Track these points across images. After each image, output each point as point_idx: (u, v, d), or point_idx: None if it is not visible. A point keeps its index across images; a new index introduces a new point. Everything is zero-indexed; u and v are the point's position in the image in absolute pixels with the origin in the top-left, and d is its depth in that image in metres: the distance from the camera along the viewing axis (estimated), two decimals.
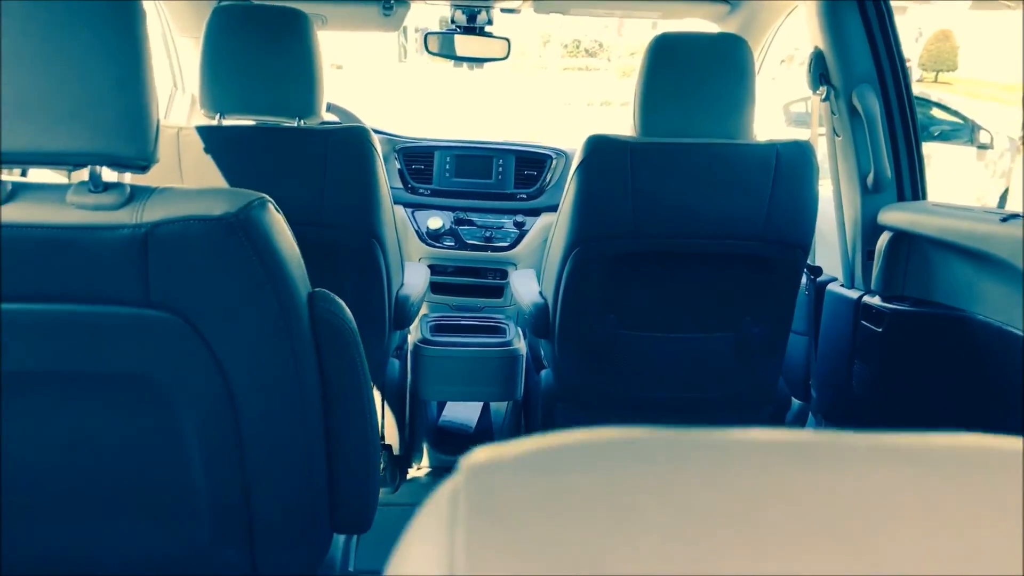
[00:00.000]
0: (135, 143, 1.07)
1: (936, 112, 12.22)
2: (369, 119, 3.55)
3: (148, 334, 1.12)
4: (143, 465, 1.24)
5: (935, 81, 23.65)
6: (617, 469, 0.33)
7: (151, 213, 1.08)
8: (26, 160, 1.08)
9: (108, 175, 1.13)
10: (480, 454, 0.34)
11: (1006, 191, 10.32)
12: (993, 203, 9.72)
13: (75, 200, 1.09)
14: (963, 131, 11.79)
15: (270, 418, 1.22)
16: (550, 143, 3.61)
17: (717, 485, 0.31)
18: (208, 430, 1.21)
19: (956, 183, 10.61)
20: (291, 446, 1.26)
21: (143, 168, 1.11)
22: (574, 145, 3.25)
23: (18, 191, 1.11)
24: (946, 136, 11.80)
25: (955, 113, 11.98)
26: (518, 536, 0.29)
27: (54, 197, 1.10)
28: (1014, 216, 1.93)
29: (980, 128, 11.41)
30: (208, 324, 1.12)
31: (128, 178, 1.42)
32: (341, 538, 1.66)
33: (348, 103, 3.75)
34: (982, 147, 11.24)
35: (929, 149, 11.89)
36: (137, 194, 1.11)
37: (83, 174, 1.11)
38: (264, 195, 1.15)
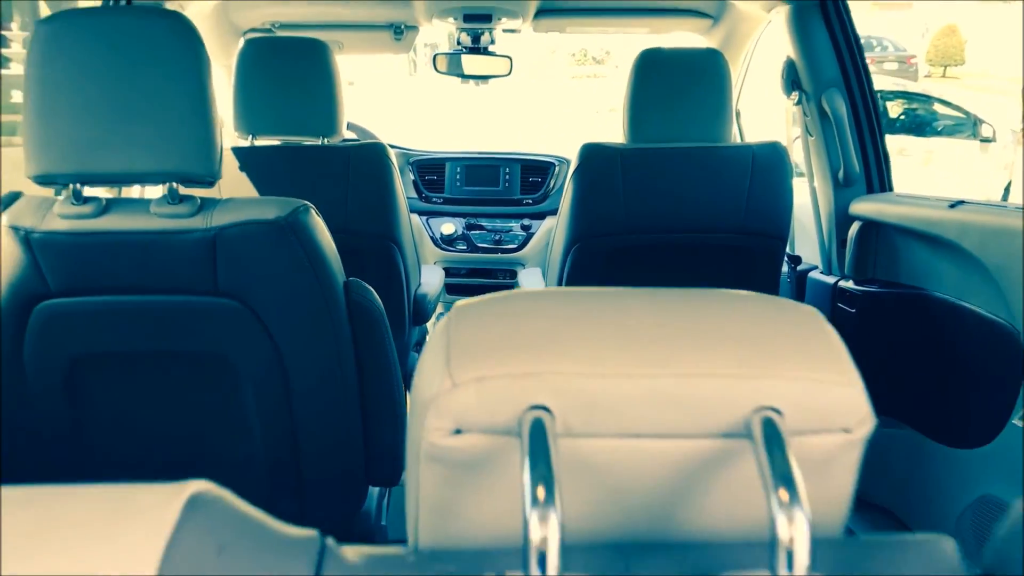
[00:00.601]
0: (204, 164, 1.34)
1: (938, 108, 12.40)
2: (384, 134, 3.83)
3: (217, 318, 1.39)
4: (214, 429, 1.51)
5: (943, 76, 23.78)
6: (552, 302, 0.58)
7: (218, 219, 1.35)
8: (119, 180, 1.35)
9: (182, 190, 1.39)
10: (463, 302, 0.60)
11: (1009, 183, 10.47)
12: (997, 196, 9.86)
13: (158, 211, 1.36)
14: (966, 125, 11.95)
15: (315, 386, 1.48)
16: (556, 150, 3.88)
17: (615, 308, 0.57)
18: (264, 398, 1.48)
19: (959, 177, 10.76)
20: (332, 411, 1.52)
21: (210, 184, 1.38)
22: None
23: (111, 205, 1.38)
24: (949, 131, 11.98)
25: (957, 108, 12.15)
26: (488, 337, 0.54)
27: (141, 209, 1.37)
28: (961, 202, 2.17)
29: (983, 122, 11.57)
30: (264, 308, 1.38)
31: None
32: (375, 496, 1.92)
33: (362, 118, 4.02)
34: (985, 140, 11.39)
35: (932, 144, 12.05)
36: (205, 204, 1.38)
37: (163, 189, 1.37)
38: (307, 202, 1.42)
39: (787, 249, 2.90)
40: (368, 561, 0.49)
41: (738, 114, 3.48)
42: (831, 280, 2.70)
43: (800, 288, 2.87)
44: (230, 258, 1.34)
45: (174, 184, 1.35)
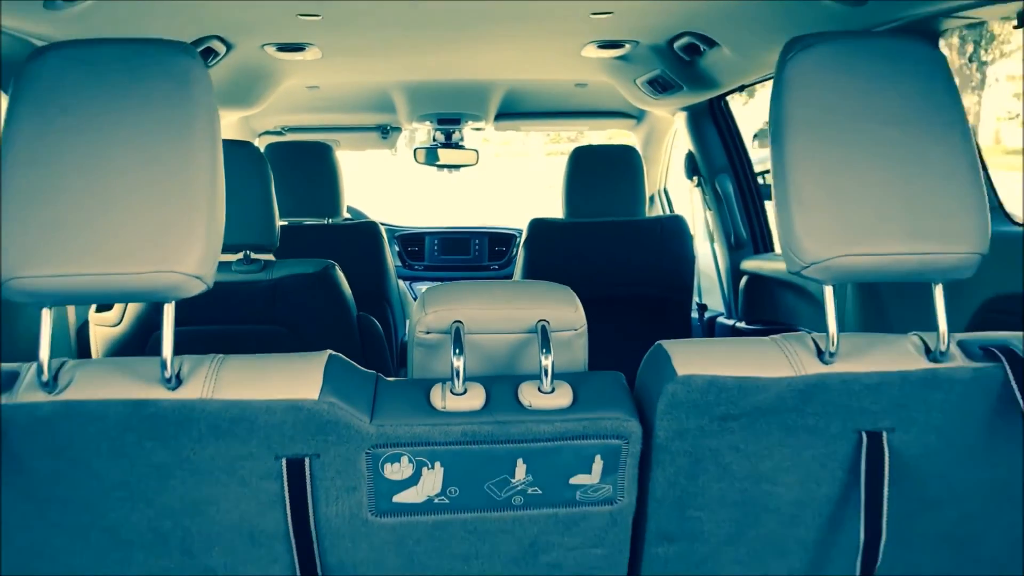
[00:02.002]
0: (268, 237, 2.06)
1: None
2: (372, 211, 4.59)
3: (271, 340, 2.10)
4: None
5: None
6: (467, 285, 1.31)
7: (276, 273, 2.07)
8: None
9: (252, 255, 2.11)
10: (430, 287, 1.31)
11: None
12: None
13: (237, 268, 2.08)
14: None
15: None
16: (520, 222, 4.65)
17: (491, 285, 1.29)
18: None
19: None
20: None
21: (270, 251, 2.10)
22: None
23: None
24: None
25: None
26: (438, 297, 1.26)
27: (227, 266, 2.08)
28: None
29: None
30: (304, 332, 2.10)
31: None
32: None
33: (353, 193, 4.79)
34: None
35: None
36: (267, 265, 2.10)
37: (241, 254, 2.09)
38: (333, 262, 2.15)
39: (697, 299, 3.65)
40: (397, 382, 1.20)
41: (666, 191, 4.26)
42: (731, 322, 3.44)
43: (710, 330, 3.60)
44: (284, 299, 2.06)
45: (248, 252, 2.07)
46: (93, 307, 2.20)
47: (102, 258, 1.03)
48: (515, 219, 4.70)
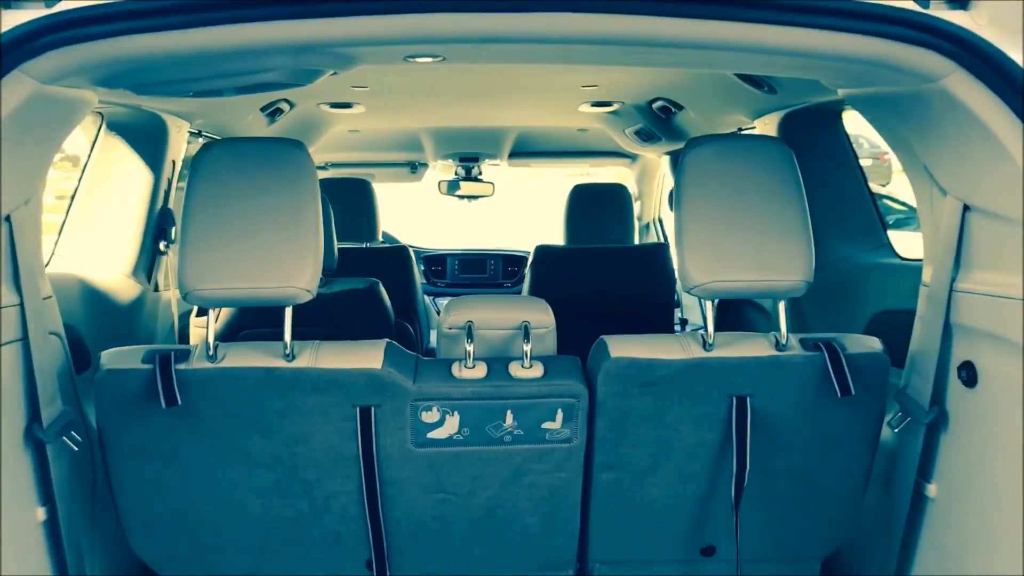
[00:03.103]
0: (330, 260, 2.69)
1: (889, 203, 13.98)
2: (403, 235, 5.23)
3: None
4: None
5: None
6: (476, 299, 1.92)
7: (335, 288, 2.70)
8: None
9: None
10: (450, 300, 1.93)
11: None
12: None
13: None
14: (912, 219, 13.41)
15: None
16: (533, 242, 5.27)
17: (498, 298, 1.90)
18: None
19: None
20: None
21: (330, 271, 2.71)
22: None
23: None
24: (899, 224, 13.52)
25: (902, 203, 13.69)
26: (455, 307, 1.88)
27: None
28: None
29: None
30: (355, 335, 2.72)
31: None
32: None
33: (386, 215, 5.43)
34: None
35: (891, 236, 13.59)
36: (328, 281, 2.73)
37: None
38: (377, 280, 2.78)
39: (680, 314, 4.26)
40: (430, 360, 1.82)
41: (660, 220, 4.88)
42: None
43: None
44: (340, 308, 2.68)
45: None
46: (194, 312, 2.85)
47: (248, 278, 1.67)
48: (530, 237, 5.32)
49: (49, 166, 1.68)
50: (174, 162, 2.75)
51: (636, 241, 4.63)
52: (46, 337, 1.68)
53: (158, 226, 2.71)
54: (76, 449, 1.71)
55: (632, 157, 4.64)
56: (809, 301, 2.84)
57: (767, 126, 2.85)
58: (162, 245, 2.73)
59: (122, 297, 2.54)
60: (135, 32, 1.37)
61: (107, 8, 1.36)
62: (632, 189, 4.58)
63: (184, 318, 2.90)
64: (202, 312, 2.79)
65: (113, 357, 1.72)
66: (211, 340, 1.71)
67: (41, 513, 1.71)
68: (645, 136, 3.82)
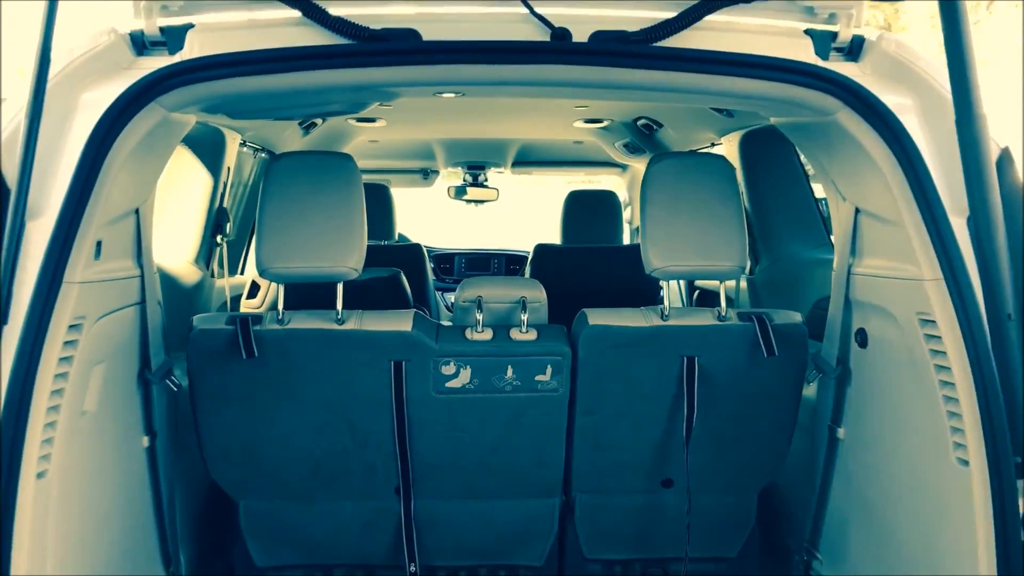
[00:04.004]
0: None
1: None
2: (415, 236, 5.74)
3: None
4: None
5: None
6: (484, 279, 2.42)
7: (364, 276, 3.19)
8: None
9: None
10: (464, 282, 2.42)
11: None
12: None
13: None
14: None
15: None
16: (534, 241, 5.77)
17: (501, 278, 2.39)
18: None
19: None
20: None
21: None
22: None
23: None
24: None
25: None
26: (467, 286, 2.37)
27: None
28: None
29: None
30: None
31: None
32: None
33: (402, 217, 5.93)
34: None
35: None
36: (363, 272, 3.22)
37: None
38: (399, 270, 3.27)
39: None
40: (448, 326, 2.31)
41: None
42: None
43: None
44: (368, 293, 3.18)
45: None
46: (244, 295, 3.35)
47: (310, 259, 2.17)
48: (532, 238, 5.81)
49: (162, 172, 2.19)
50: (229, 168, 3.26)
51: (626, 242, 5.13)
52: (155, 303, 2.18)
53: (216, 222, 3.22)
54: (175, 390, 2.22)
55: (622, 167, 5.14)
56: (765, 290, 3.35)
57: (731, 143, 3.36)
58: (218, 238, 3.23)
59: (187, 280, 3.05)
60: (237, 75, 1.87)
61: (217, 58, 1.87)
62: (623, 196, 5.08)
63: (235, 301, 3.40)
64: (252, 295, 3.30)
65: (203, 320, 2.23)
66: (281, 306, 2.21)
67: (145, 441, 2.21)
68: (632, 149, 4.32)
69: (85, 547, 1.92)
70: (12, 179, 1.66)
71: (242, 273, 4.05)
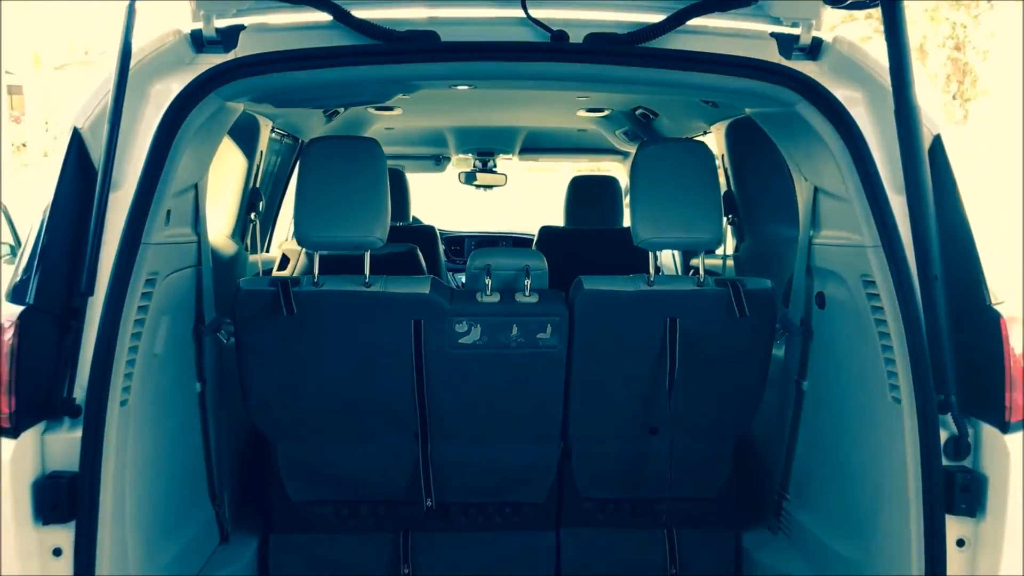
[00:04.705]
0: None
1: None
2: (428, 219, 6.07)
3: None
4: None
5: None
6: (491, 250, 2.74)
7: (384, 251, 3.52)
8: None
9: None
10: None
11: None
12: None
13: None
14: None
15: None
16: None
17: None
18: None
19: None
20: None
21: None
22: None
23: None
24: None
25: None
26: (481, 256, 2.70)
27: None
28: None
29: None
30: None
31: None
32: None
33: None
34: None
35: None
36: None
37: None
38: (415, 245, 3.60)
39: None
40: (461, 290, 2.64)
41: None
42: None
43: None
44: (387, 265, 3.49)
45: None
46: (276, 266, 3.69)
47: (342, 229, 2.49)
48: (539, 220, 6.13)
49: (215, 152, 2.52)
50: (262, 152, 3.59)
51: (627, 224, 5.44)
52: (208, 266, 2.52)
53: (250, 201, 3.55)
54: (225, 343, 2.55)
55: (624, 154, 5.45)
56: (748, 265, 3.67)
57: (719, 132, 3.67)
58: (252, 215, 3.56)
59: (226, 252, 3.38)
60: (285, 70, 2.20)
61: (268, 55, 2.19)
62: (624, 181, 5.40)
63: (266, 273, 3.73)
64: (282, 267, 3.63)
65: (248, 282, 2.56)
66: (316, 272, 2.54)
67: (198, 387, 2.55)
68: (632, 136, 4.64)
69: (154, 475, 2.27)
70: (98, 159, 2.00)
71: (266, 251, 4.39)
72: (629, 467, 2.81)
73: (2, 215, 5.58)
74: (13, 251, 5.55)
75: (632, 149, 5.02)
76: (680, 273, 4.85)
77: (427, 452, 2.69)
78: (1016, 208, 13.33)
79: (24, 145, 28.56)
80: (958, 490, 2.00)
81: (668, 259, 5.09)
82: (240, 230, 3.53)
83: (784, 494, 2.80)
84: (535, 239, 4.67)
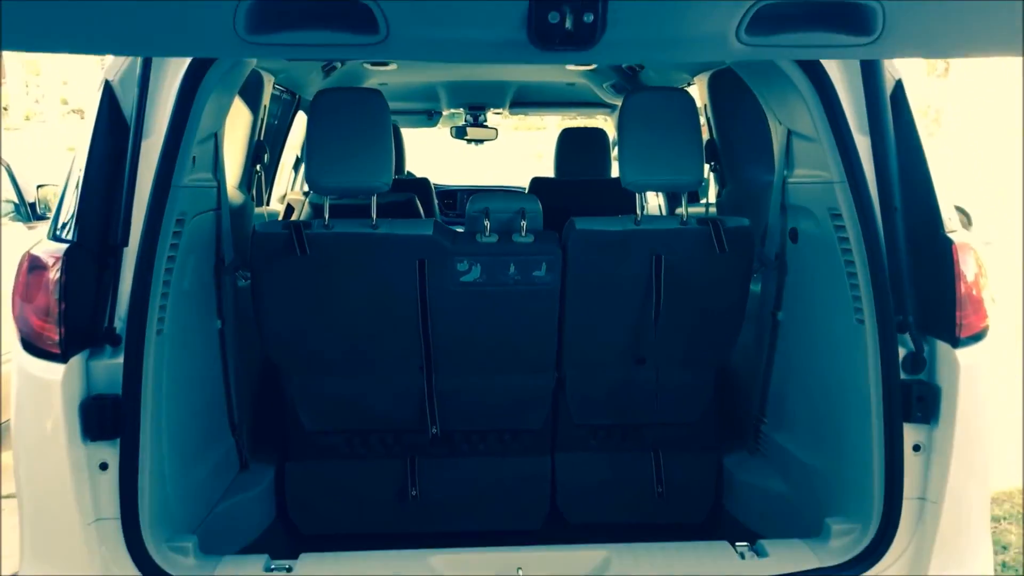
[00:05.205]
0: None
1: None
2: (422, 172, 6.25)
3: None
4: None
5: None
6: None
7: (386, 199, 3.69)
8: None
9: None
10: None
11: None
12: None
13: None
14: None
15: None
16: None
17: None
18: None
19: None
20: None
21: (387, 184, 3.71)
22: None
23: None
24: None
25: None
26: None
27: None
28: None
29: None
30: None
31: None
32: None
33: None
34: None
35: None
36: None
37: None
38: (414, 195, 3.78)
39: None
40: (462, 232, 2.83)
41: None
42: None
43: None
44: (390, 211, 3.66)
45: None
46: (282, 214, 3.87)
47: (350, 174, 2.67)
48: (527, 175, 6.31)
49: (232, 103, 2.70)
50: (265, 106, 3.75)
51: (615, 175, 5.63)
52: (227, 210, 2.70)
53: (255, 153, 3.72)
54: (243, 283, 2.75)
55: (612, 108, 5.63)
56: (730, 210, 3.87)
57: (701, 82, 3.85)
58: (257, 167, 3.73)
59: (235, 201, 3.55)
60: None
61: None
62: (613, 134, 5.58)
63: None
64: (287, 216, 3.82)
65: (263, 225, 2.75)
66: (327, 216, 2.73)
67: (218, 323, 2.75)
68: (619, 89, 4.81)
69: (185, 402, 2.47)
70: (128, 109, 2.19)
71: (267, 204, 4.56)
72: (618, 395, 3.04)
73: (4, 173, 5.70)
74: (17, 209, 5.70)
75: (620, 102, 5.20)
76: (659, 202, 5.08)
77: (431, 383, 2.90)
78: (1000, 156, 13.59)
79: (6, 109, 28.33)
80: (915, 400, 2.23)
81: (655, 210, 5.30)
82: (247, 181, 3.70)
83: (762, 417, 3.03)
84: (527, 189, 4.85)
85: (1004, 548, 3.98)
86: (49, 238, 2.19)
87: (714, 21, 1.53)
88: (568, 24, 1.40)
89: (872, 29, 1.50)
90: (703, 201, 4.58)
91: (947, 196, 2.33)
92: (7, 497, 4.75)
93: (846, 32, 1.52)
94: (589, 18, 1.41)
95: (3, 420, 5.04)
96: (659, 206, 5.21)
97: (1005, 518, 4.29)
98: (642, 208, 2.89)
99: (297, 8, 1.46)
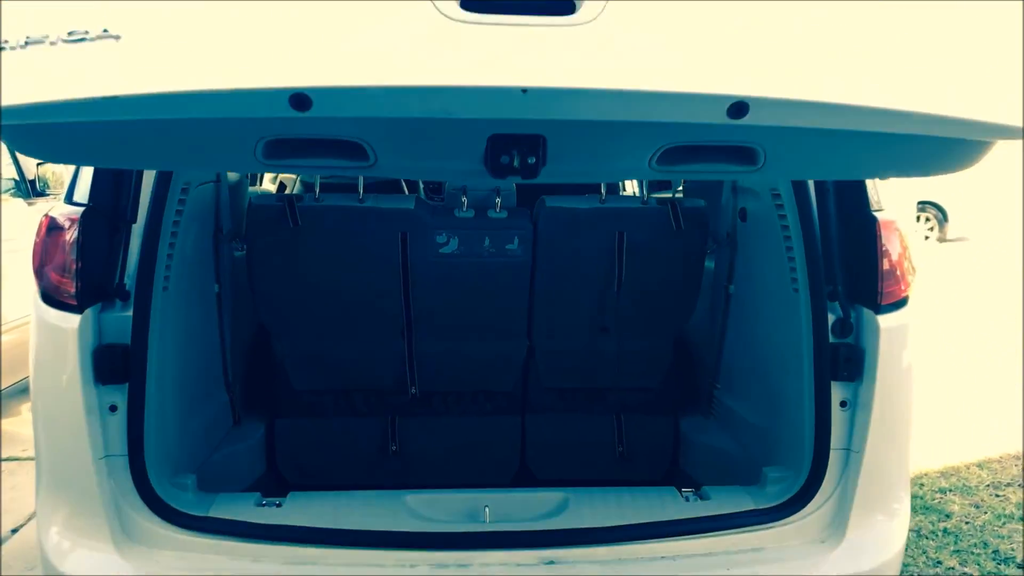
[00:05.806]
0: None
1: None
2: None
3: None
4: None
5: None
6: None
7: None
8: None
9: None
10: None
11: None
12: None
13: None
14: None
15: None
16: None
17: None
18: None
19: None
20: None
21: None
22: None
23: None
24: None
25: None
26: None
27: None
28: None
29: None
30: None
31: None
32: None
33: None
34: None
35: None
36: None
37: None
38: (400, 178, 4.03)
39: None
40: (442, 205, 3.08)
41: None
42: None
43: None
44: (378, 189, 3.91)
45: None
46: (275, 190, 4.10)
47: None
48: None
49: None
50: None
51: None
52: (224, 183, 2.94)
53: None
54: (239, 254, 2.99)
55: None
56: (696, 191, 4.13)
57: None
58: None
59: (231, 176, 3.79)
60: None
61: None
62: None
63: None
64: (281, 190, 4.06)
65: (259, 197, 2.99)
66: (317, 190, 2.97)
67: (216, 287, 2.99)
68: None
69: (185, 356, 2.71)
70: None
71: (259, 184, 4.79)
72: (584, 361, 3.30)
73: (4, 150, 5.89)
74: (17, 185, 5.89)
75: None
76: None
77: (412, 347, 3.15)
78: (998, 156, 13.84)
79: None
80: (842, 361, 2.49)
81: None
82: None
83: (715, 383, 3.30)
84: None
85: (948, 516, 4.26)
86: (65, 201, 2.42)
87: (629, 159, 1.86)
88: (516, 163, 1.71)
89: (756, 162, 1.81)
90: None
91: (906, 191, 2.60)
92: (7, 460, 4.99)
93: (736, 164, 1.82)
94: (532, 160, 1.71)
95: (2, 388, 5.27)
96: (634, 192, 5.47)
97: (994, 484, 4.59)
98: (607, 189, 3.14)
99: (306, 143, 1.76)
